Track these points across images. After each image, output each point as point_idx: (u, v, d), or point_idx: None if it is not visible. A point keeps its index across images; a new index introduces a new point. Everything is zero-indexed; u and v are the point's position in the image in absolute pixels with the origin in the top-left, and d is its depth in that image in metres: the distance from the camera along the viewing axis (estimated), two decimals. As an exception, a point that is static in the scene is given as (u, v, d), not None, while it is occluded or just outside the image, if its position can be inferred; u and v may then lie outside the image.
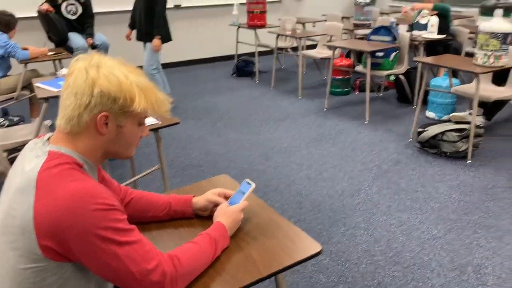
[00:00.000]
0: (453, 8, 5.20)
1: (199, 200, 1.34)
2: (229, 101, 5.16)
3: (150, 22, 4.45)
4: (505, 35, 3.21)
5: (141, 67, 4.86)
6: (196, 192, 1.38)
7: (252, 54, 6.41)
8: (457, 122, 3.59)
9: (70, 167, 0.96)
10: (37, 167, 0.95)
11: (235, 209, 1.25)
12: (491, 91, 3.71)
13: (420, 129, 3.67)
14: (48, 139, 1.05)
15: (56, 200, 0.90)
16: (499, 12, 3.31)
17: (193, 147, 3.85)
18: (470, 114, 3.80)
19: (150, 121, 2.38)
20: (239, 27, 6.20)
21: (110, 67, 1.01)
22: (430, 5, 4.81)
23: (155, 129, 2.32)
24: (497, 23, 3.24)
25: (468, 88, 3.77)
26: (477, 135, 3.47)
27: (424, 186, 3.09)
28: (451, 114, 3.84)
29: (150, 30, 4.47)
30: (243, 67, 6.30)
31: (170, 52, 6.76)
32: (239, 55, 6.55)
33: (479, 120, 3.54)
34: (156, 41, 4.43)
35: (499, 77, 3.86)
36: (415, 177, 3.23)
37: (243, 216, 1.27)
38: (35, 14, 5.15)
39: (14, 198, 0.94)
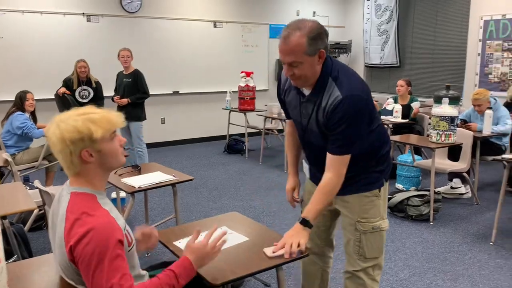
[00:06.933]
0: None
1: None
2: (222, 174, 5.76)
3: (133, 103, 5.37)
4: (452, 118, 3.97)
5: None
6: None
7: (242, 135, 7.15)
8: (419, 190, 4.22)
9: (87, 202, 1.36)
10: (65, 204, 1.36)
11: (199, 246, 1.49)
12: (447, 164, 4.42)
13: (388, 196, 4.28)
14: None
15: (79, 228, 1.29)
16: (445, 100, 4.11)
17: (192, 210, 4.36)
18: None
19: (167, 177, 2.92)
20: (231, 111, 7.00)
21: (65, 120, 1.35)
22: (407, 100, 5.67)
23: (172, 184, 2.87)
24: (444, 108, 4.02)
25: (428, 162, 4.46)
26: (436, 200, 4.09)
27: (393, 241, 3.63)
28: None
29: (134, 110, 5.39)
30: (234, 145, 7.00)
31: (169, 131, 7.50)
32: (230, 135, 7.28)
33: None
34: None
35: (454, 155, 4.59)
36: (386, 235, 3.77)
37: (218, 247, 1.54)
38: (52, 97, 5.85)
39: (59, 225, 1.37)
